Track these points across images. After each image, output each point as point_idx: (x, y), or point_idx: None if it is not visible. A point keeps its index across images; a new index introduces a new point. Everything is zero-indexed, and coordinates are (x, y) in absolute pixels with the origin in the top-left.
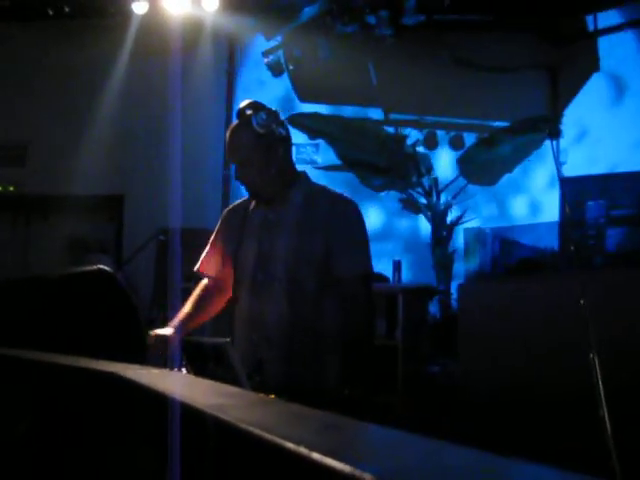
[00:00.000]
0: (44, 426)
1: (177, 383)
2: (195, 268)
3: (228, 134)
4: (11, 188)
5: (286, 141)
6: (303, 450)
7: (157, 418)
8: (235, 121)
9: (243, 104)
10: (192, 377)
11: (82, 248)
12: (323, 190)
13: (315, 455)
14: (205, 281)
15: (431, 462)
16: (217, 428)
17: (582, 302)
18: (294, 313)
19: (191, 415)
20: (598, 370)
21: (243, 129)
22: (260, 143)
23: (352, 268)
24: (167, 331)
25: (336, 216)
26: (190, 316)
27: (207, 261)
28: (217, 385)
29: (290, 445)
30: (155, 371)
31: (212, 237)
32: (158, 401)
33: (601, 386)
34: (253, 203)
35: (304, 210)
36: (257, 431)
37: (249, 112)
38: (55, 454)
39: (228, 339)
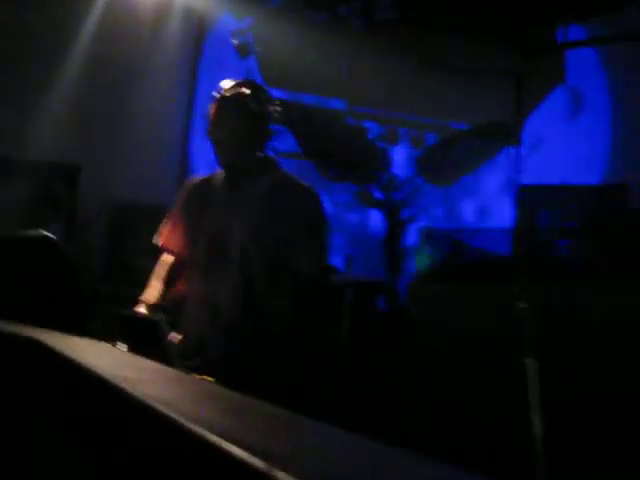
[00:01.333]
0: None
1: (96, 353)
2: (154, 241)
3: (216, 111)
4: None
5: (269, 124)
6: (202, 431)
7: (66, 387)
8: (223, 97)
9: (237, 81)
10: (115, 349)
11: (52, 205)
12: (290, 180)
13: (213, 438)
14: (167, 257)
15: (326, 448)
16: (121, 401)
17: (522, 305)
18: (245, 297)
19: (102, 388)
20: (533, 373)
21: (236, 106)
22: (254, 123)
23: (310, 263)
24: (142, 310)
25: (299, 208)
26: (157, 294)
27: (169, 236)
28: (136, 359)
29: (191, 426)
30: (80, 340)
31: (173, 210)
32: (70, 369)
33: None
34: (219, 179)
35: (268, 197)
36: (159, 407)
37: (244, 90)
38: None
39: (162, 315)
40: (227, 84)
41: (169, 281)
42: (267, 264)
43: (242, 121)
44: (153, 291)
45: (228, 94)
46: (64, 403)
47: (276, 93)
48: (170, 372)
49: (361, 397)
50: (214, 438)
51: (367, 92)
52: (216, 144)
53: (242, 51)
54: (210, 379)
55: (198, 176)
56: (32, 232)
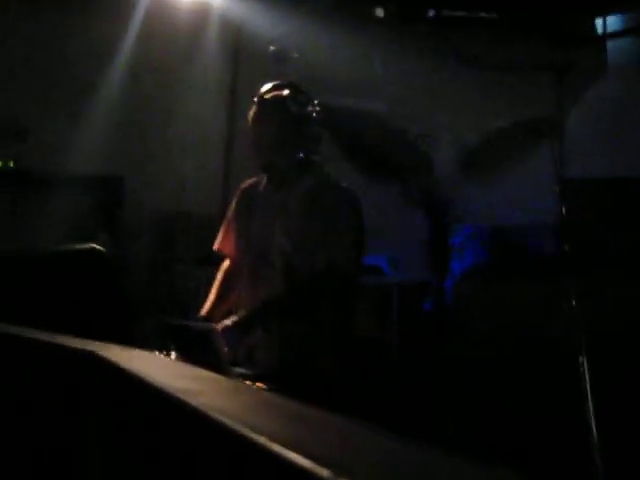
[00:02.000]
0: (24, 398)
1: (152, 365)
2: (214, 247)
3: (256, 115)
4: (11, 163)
5: (311, 126)
6: (264, 441)
7: (126, 399)
8: (263, 100)
9: (275, 84)
10: (170, 360)
11: (103, 215)
12: (331, 182)
13: (275, 447)
14: (226, 263)
15: (394, 461)
16: (181, 412)
17: (574, 303)
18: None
19: (157, 397)
20: (586, 372)
21: (276, 109)
22: (294, 125)
23: (318, 261)
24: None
25: (332, 210)
26: (215, 304)
27: (224, 239)
28: (192, 370)
29: (251, 435)
30: (134, 352)
31: (227, 215)
32: (129, 381)
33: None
34: (264, 183)
35: (307, 199)
36: (219, 417)
37: (284, 92)
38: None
39: (214, 325)
40: (267, 87)
41: (225, 290)
42: (308, 266)
43: (282, 122)
44: (209, 304)
45: (267, 96)
46: (123, 415)
47: (315, 98)
48: (227, 382)
49: (409, 399)
50: (277, 447)
51: (406, 93)
52: (257, 146)
53: (279, 58)
54: (262, 386)
55: (249, 180)
56: (81, 245)
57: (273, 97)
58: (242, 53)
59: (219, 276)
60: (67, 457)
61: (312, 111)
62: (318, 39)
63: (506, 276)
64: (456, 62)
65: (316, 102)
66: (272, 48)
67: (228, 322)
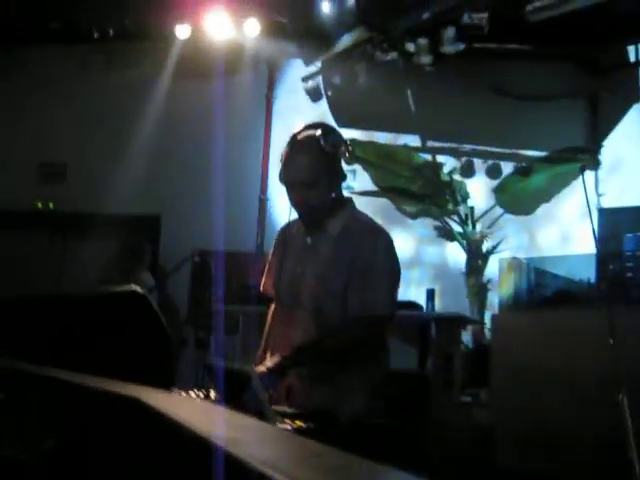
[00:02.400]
0: (69, 445)
1: (197, 412)
2: (261, 289)
3: (290, 153)
4: (50, 205)
5: (341, 167)
6: None
7: (172, 447)
8: (296, 140)
9: (308, 124)
10: (214, 406)
11: (135, 252)
12: (361, 221)
13: None
14: (273, 306)
15: None
16: (227, 463)
17: (611, 341)
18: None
19: (203, 447)
20: (627, 411)
21: (311, 149)
22: (328, 164)
23: (357, 305)
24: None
25: (363, 250)
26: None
27: (267, 280)
28: (235, 416)
29: None
30: (179, 398)
31: (270, 256)
32: (175, 430)
33: (630, 428)
34: (298, 224)
35: (339, 240)
36: (264, 469)
37: (318, 132)
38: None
39: (253, 367)
40: (299, 127)
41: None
42: (337, 310)
43: (315, 160)
44: (262, 348)
45: (300, 137)
46: (166, 463)
47: (349, 133)
48: (270, 430)
49: (452, 435)
50: None
51: (439, 126)
52: (290, 186)
53: (313, 94)
54: (301, 424)
55: (290, 221)
56: (121, 287)
57: (307, 136)
58: (276, 91)
59: (269, 320)
60: None
61: (344, 151)
62: (351, 75)
63: (546, 308)
64: (489, 93)
65: (348, 142)
66: (307, 85)
67: (263, 368)
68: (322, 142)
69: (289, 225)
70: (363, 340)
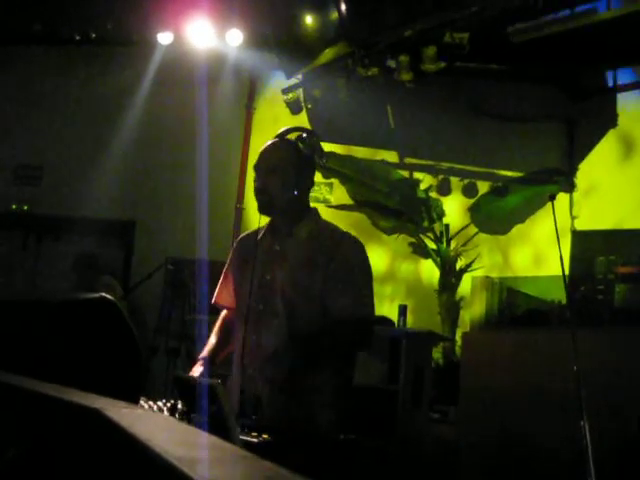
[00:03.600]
0: (28, 455)
1: (156, 428)
2: (213, 300)
3: (266, 150)
4: (25, 207)
5: (313, 173)
6: None
7: (128, 463)
8: (276, 139)
9: (289, 127)
10: (174, 421)
11: (90, 266)
12: (329, 227)
13: None
14: (225, 312)
15: None
16: None
17: (575, 367)
18: (292, 346)
19: (159, 466)
20: (587, 436)
21: (287, 147)
22: (300, 165)
23: (343, 308)
24: (198, 370)
25: (337, 255)
26: (215, 349)
27: (221, 292)
28: (194, 433)
29: None
30: (139, 411)
31: (225, 267)
32: (131, 445)
33: (590, 454)
34: (262, 233)
35: (307, 245)
36: None
37: (299, 133)
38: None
39: (219, 380)
40: (281, 130)
41: (225, 337)
42: (312, 314)
43: (284, 152)
44: (209, 348)
45: (280, 134)
46: (119, 478)
47: (328, 147)
48: (230, 450)
49: (420, 452)
50: None
51: (418, 143)
52: (256, 172)
53: (293, 107)
54: (267, 437)
55: (247, 232)
56: (91, 294)
57: (288, 131)
58: (256, 101)
59: (219, 323)
60: None
61: (318, 159)
62: (332, 89)
63: (517, 327)
64: (468, 112)
65: (323, 151)
66: (287, 97)
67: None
68: (301, 145)
69: (251, 235)
70: (356, 341)
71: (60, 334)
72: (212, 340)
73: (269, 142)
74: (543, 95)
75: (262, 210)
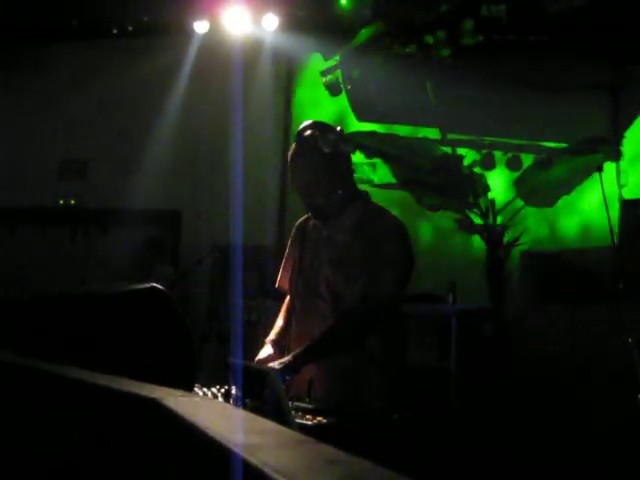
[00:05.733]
0: (87, 447)
1: (214, 415)
2: (276, 285)
3: (292, 157)
4: (72, 202)
5: (350, 158)
6: None
7: (188, 451)
8: (297, 143)
9: (305, 124)
10: (232, 408)
11: (159, 251)
12: (376, 211)
13: None
14: (289, 297)
15: None
16: (242, 469)
17: (630, 340)
18: (338, 331)
19: (220, 453)
20: None
21: (309, 151)
22: (327, 164)
23: (367, 289)
24: (268, 351)
25: (377, 237)
26: (282, 332)
27: (282, 276)
28: (253, 419)
29: None
30: (196, 399)
31: (285, 253)
32: (191, 433)
33: None
34: (313, 220)
35: (354, 230)
36: (278, 478)
37: (314, 132)
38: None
39: (274, 367)
40: (303, 126)
41: (290, 320)
42: (357, 298)
43: (314, 163)
44: (276, 331)
45: (301, 136)
46: (181, 468)
47: (370, 127)
48: (287, 434)
49: (472, 429)
50: None
51: (459, 118)
52: (295, 185)
53: (332, 88)
54: (321, 419)
55: (303, 217)
56: (141, 284)
57: (303, 139)
58: (295, 85)
59: (284, 307)
60: None
61: (344, 149)
62: (370, 69)
63: (566, 301)
64: (509, 85)
65: (347, 138)
66: (326, 79)
67: (277, 365)
68: (318, 142)
69: (306, 220)
70: (373, 321)
71: (113, 326)
72: (278, 323)
73: (293, 154)
74: (585, 64)
75: (318, 218)
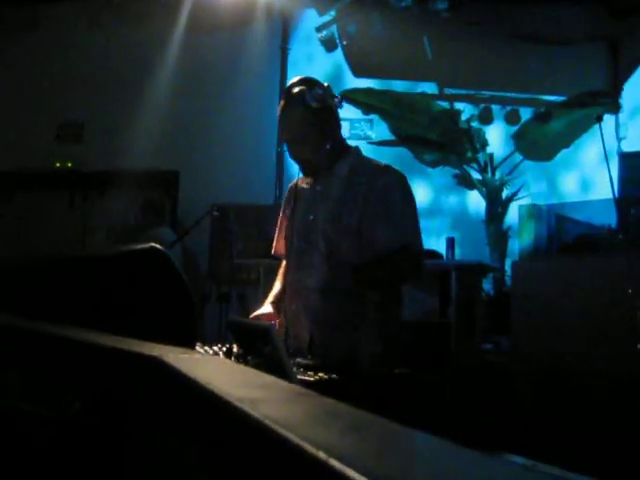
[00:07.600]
0: (93, 408)
1: (216, 371)
2: (272, 251)
3: (280, 112)
4: (69, 164)
5: (337, 113)
6: (322, 455)
7: (191, 408)
8: (285, 97)
9: (294, 80)
10: (233, 365)
11: (157, 212)
12: (369, 162)
13: (333, 462)
14: (285, 261)
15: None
16: (242, 422)
17: (630, 291)
18: (334, 281)
19: (221, 408)
20: None
21: (297, 105)
22: (315, 118)
23: (388, 240)
24: (267, 309)
25: (376, 187)
26: (280, 295)
27: (277, 242)
28: (254, 374)
29: (309, 449)
30: (198, 356)
31: (279, 217)
32: (193, 389)
33: None
34: (305, 177)
35: (347, 181)
36: (280, 430)
37: (302, 88)
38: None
39: (272, 322)
40: (292, 81)
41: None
42: (354, 249)
43: (299, 118)
44: (273, 293)
45: (290, 92)
46: (182, 423)
47: (366, 83)
48: (292, 389)
49: (468, 382)
50: (335, 463)
51: (457, 73)
52: (283, 140)
53: (328, 44)
54: (322, 375)
55: (296, 179)
56: (140, 245)
57: (291, 93)
58: (290, 42)
59: (281, 270)
60: (127, 470)
61: (332, 103)
62: (366, 24)
63: (566, 254)
64: (507, 38)
65: (333, 93)
66: (321, 34)
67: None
68: (306, 97)
69: (298, 181)
70: (405, 272)
71: (113, 286)
72: (276, 286)
73: (282, 109)
74: (584, 15)
75: (307, 174)
